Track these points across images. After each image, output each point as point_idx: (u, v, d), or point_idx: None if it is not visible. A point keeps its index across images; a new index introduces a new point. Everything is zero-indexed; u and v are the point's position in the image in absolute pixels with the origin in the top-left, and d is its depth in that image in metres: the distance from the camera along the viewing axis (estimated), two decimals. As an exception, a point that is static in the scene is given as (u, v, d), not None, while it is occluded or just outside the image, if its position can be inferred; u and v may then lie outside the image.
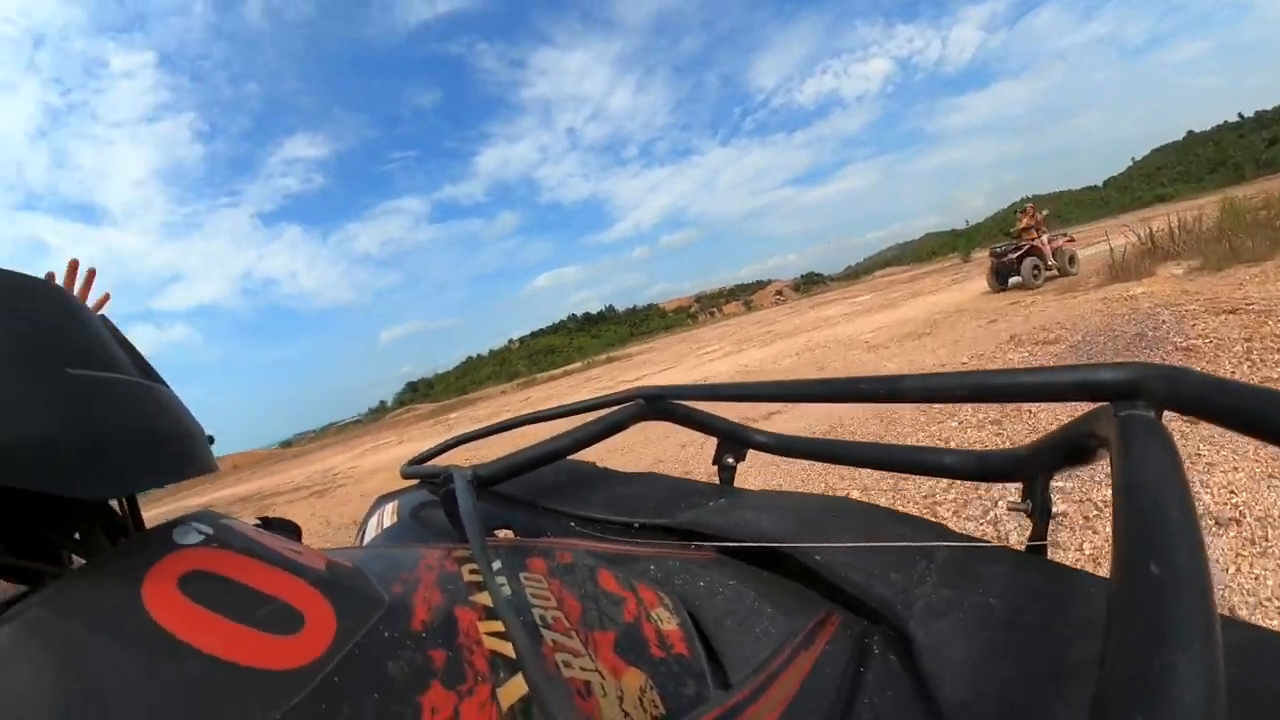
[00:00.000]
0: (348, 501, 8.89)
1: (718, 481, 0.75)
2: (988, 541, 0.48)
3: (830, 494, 0.61)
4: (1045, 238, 11.54)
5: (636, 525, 0.62)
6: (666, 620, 0.45)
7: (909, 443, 2.85)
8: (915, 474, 0.51)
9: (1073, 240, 11.88)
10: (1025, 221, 11.90)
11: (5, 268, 0.38)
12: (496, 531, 0.69)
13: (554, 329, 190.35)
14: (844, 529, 0.52)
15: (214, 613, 0.33)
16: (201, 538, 0.39)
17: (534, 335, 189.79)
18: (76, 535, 0.42)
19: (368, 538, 0.84)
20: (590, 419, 0.70)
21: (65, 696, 0.28)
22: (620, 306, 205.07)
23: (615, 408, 0.71)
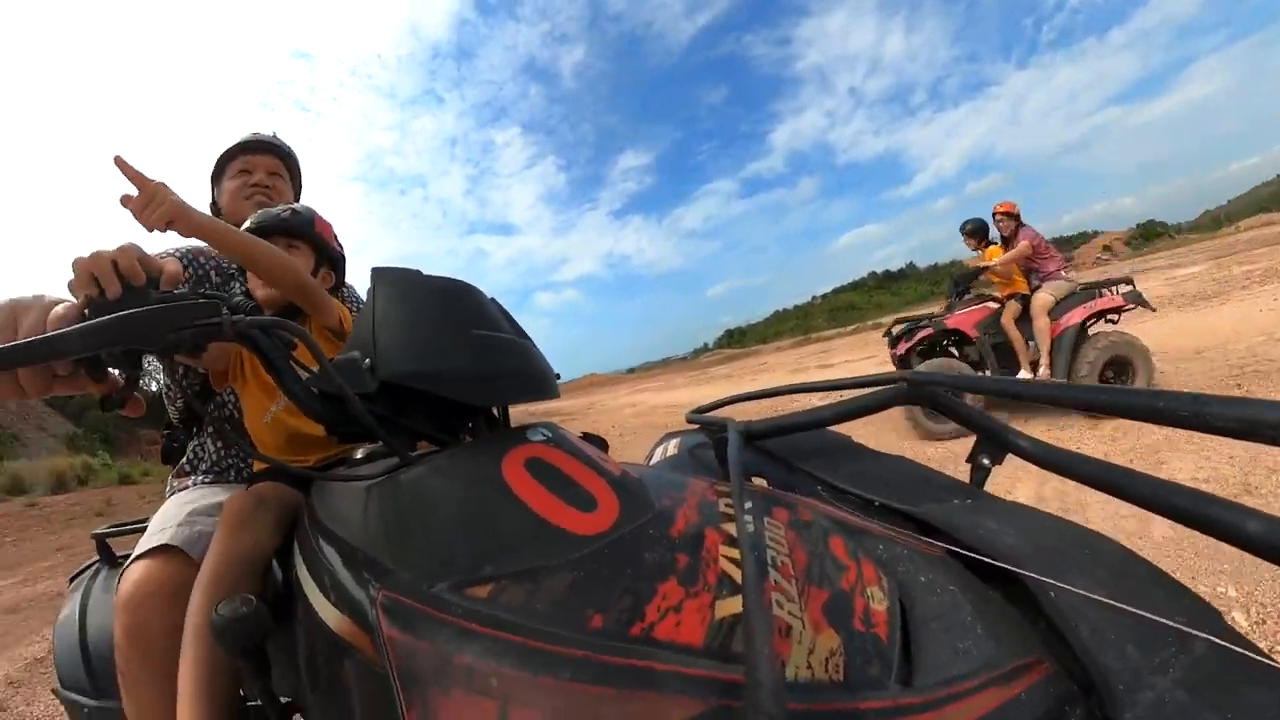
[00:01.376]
0: (588, 425, 11.36)
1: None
2: (1268, 658, 0.38)
3: (1078, 522, 0.53)
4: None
5: (876, 504, 0.62)
6: (878, 600, 0.46)
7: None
8: (1209, 534, 0.37)
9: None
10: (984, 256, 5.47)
11: (447, 275, 0.66)
12: (753, 479, 0.73)
13: (854, 286, 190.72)
14: (1093, 573, 0.45)
15: (542, 486, 0.50)
16: (544, 438, 0.58)
17: (835, 292, 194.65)
18: (470, 424, 0.68)
19: (653, 462, 0.96)
20: (855, 395, 0.73)
21: (452, 509, 0.49)
22: (922, 263, 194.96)
23: (879, 389, 0.71)
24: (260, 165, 1.44)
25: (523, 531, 0.46)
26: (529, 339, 0.68)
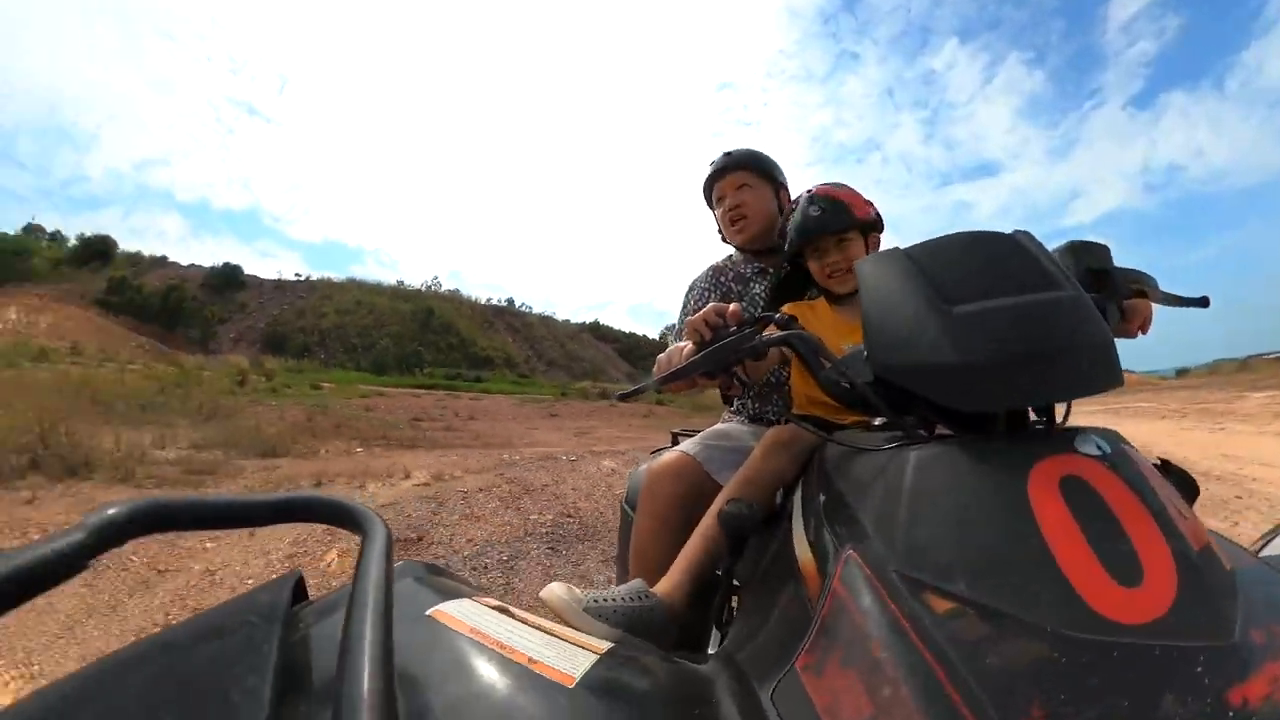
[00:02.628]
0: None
1: None
2: None
3: None
4: None
5: None
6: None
7: None
8: None
9: None
10: None
11: (947, 234, 0.61)
12: None
13: None
14: None
15: (1074, 520, 0.39)
16: (1097, 453, 0.45)
17: None
18: (1000, 413, 0.55)
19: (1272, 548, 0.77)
20: None
21: (949, 504, 0.43)
22: None
23: None
24: (727, 187, 1.62)
25: (1022, 568, 0.39)
26: (1072, 289, 0.53)
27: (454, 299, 75.98)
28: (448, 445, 8.50)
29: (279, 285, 66.58)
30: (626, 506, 1.47)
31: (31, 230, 75.45)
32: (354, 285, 69.67)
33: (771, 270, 1.59)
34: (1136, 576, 0.37)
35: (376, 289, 70.20)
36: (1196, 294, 0.91)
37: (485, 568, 3.19)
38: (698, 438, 1.35)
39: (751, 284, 1.60)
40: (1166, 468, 0.62)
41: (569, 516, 4.16)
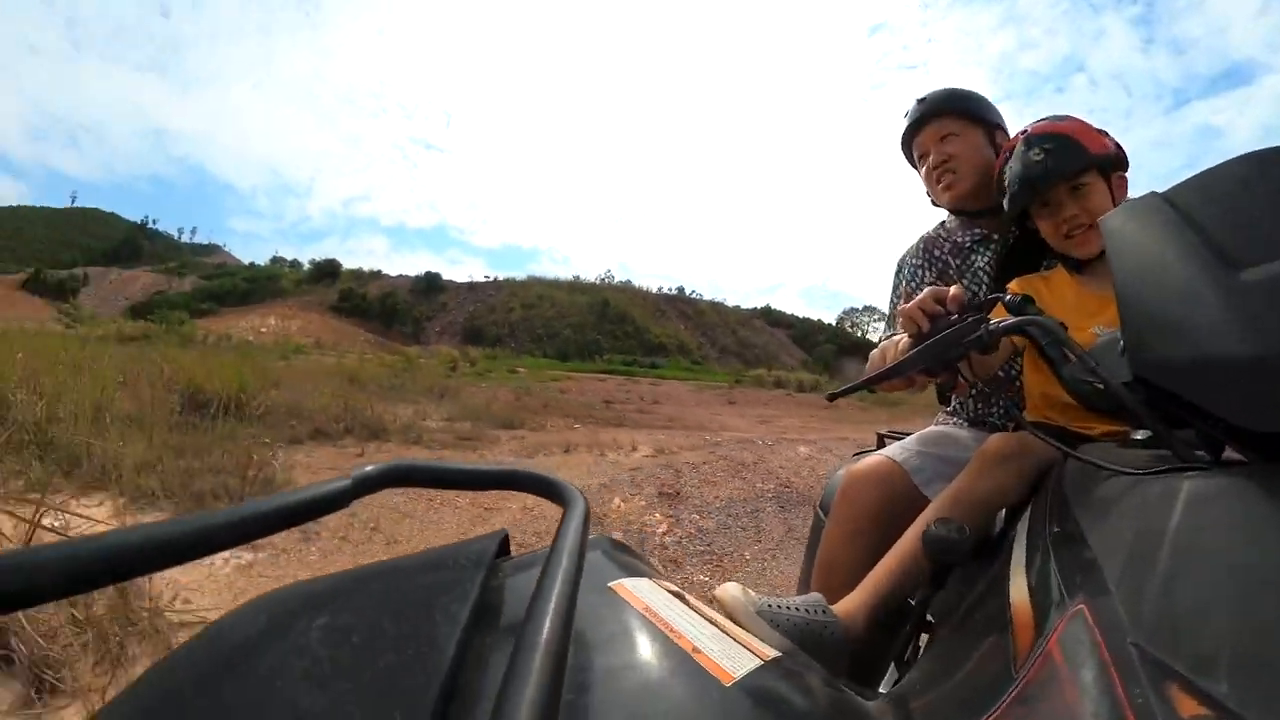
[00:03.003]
0: None
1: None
2: None
3: None
4: None
5: None
6: None
7: None
8: None
9: None
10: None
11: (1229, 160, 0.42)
12: None
13: None
14: None
15: None
16: None
17: None
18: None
19: None
20: None
21: (1230, 562, 0.33)
22: None
23: None
24: (928, 140, 1.33)
25: None
26: None
27: (627, 290, 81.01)
28: (648, 426, 9.31)
29: (472, 286, 77.11)
30: (819, 510, 1.33)
31: (276, 260, 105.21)
32: (535, 282, 77.25)
33: (995, 237, 1.32)
34: None
35: (555, 284, 76.85)
36: None
37: (735, 515, 3.90)
38: (908, 441, 1.21)
39: (972, 255, 1.34)
40: None
41: (785, 487, 4.67)
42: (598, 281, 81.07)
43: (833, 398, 0.92)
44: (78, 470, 3.14)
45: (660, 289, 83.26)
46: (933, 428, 1.34)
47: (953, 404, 1.40)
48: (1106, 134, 1.03)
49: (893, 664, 0.85)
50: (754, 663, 0.40)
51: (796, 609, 0.73)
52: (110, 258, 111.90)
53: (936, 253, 1.39)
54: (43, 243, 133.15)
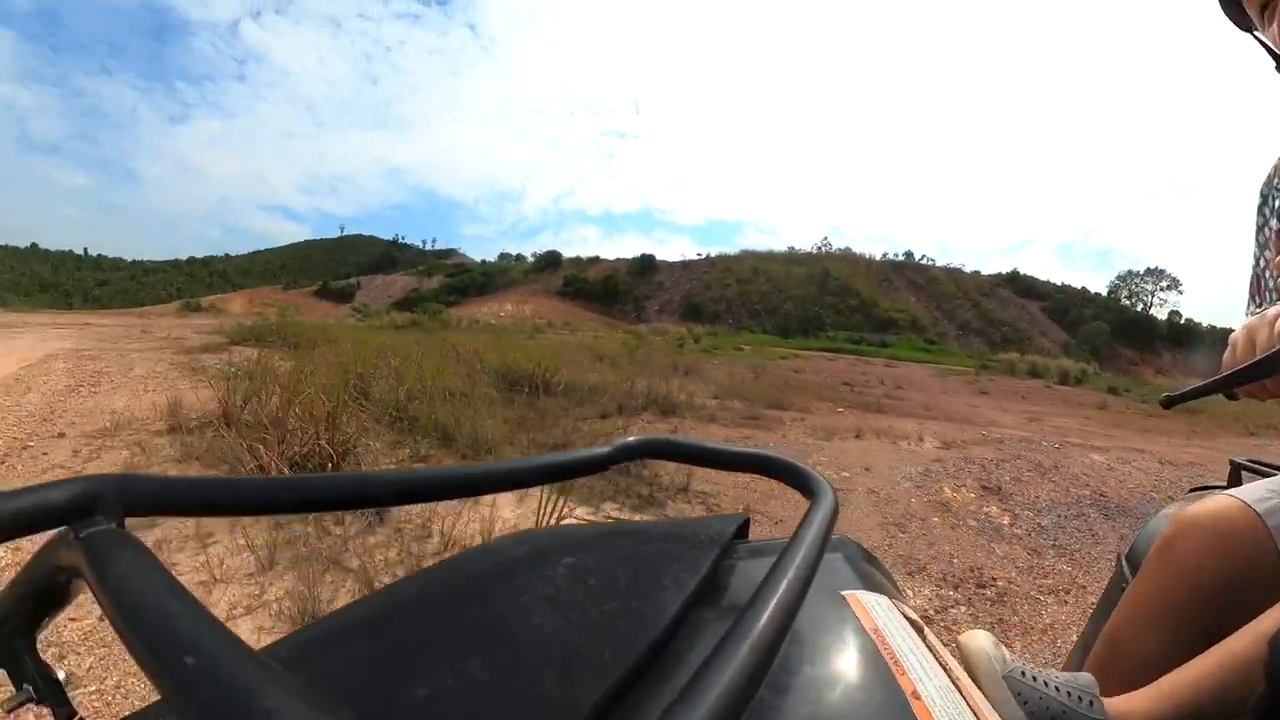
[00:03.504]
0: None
1: None
2: None
3: None
4: None
5: None
6: None
7: None
8: None
9: None
10: None
11: None
12: None
13: None
14: None
15: None
16: None
17: None
18: None
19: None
20: None
21: None
22: None
23: None
24: None
25: None
26: None
27: (847, 257, 77.53)
28: (908, 414, 9.21)
29: (685, 264, 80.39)
30: (1124, 563, 1.03)
31: (504, 256, 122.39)
32: (748, 255, 78.04)
33: None
34: None
35: (770, 256, 76.93)
36: None
37: (1065, 516, 3.83)
38: (1277, 480, 0.82)
39: None
40: None
41: (1100, 495, 4.58)
42: (814, 250, 79.39)
43: (1170, 402, 0.67)
44: (453, 443, 3.67)
45: (885, 255, 78.93)
46: None
47: None
48: None
49: None
50: None
51: (1057, 686, 0.59)
52: (374, 268, 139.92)
53: None
54: (324, 264, 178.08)
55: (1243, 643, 0.58)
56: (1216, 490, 0.90)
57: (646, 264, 77.23)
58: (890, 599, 0.44)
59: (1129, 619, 0.77)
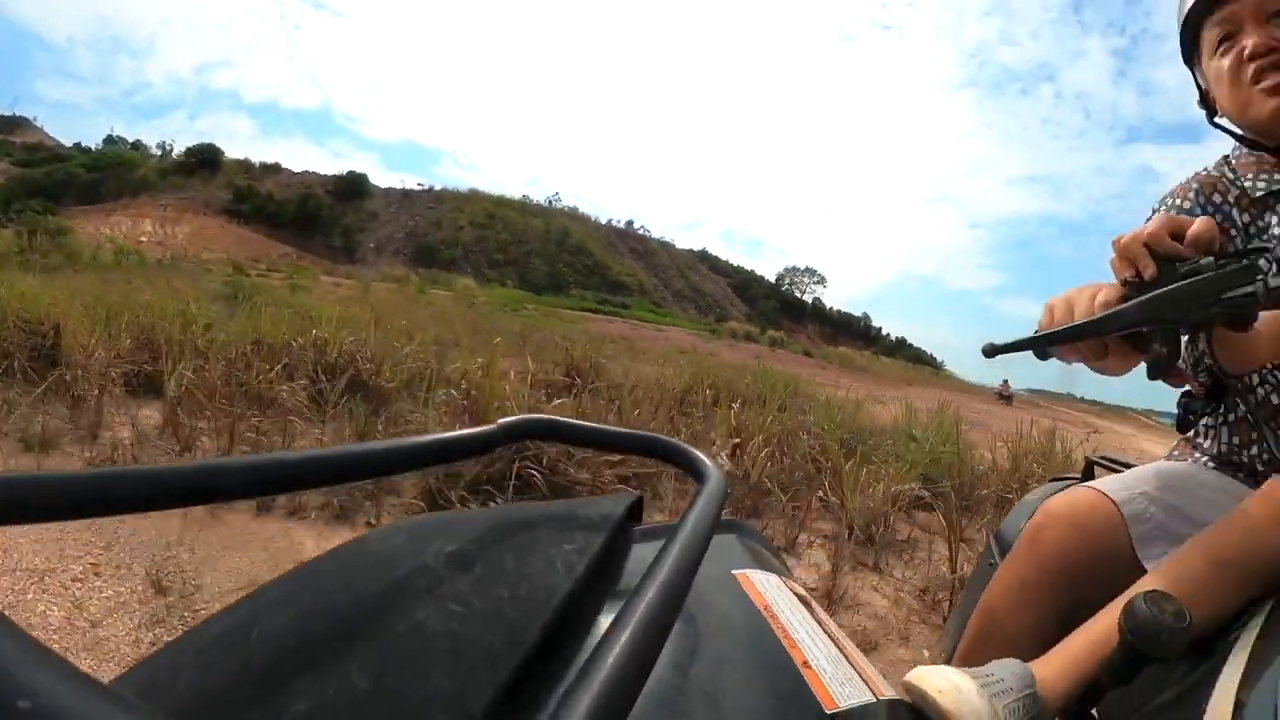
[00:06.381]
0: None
1: None
2: None
3: None
4: None
5: None
6: None
7: None
8: None
9: None
10: None
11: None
12: None
13: None
14: None
15: None
16: None
17: None
18: None
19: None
20: None
21: None
22: None
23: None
24: (1245, 14, 0.88)
25: None
26: None
27: (578, 218, 79.12)
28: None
29: (406, 194, 70.01)
30: (994, 541, 1.13)
31: (114, 142, 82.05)
32: (480, 197, 72.55)
33: None
34: None
35: (504, 202, 73.05)
36: None
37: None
38: (1130, 476, 0.94)
39: (1269, 214, 0.95)
40: None
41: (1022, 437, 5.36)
42: (547, 204, 78.84)
43: (992, 352, 0.72)
44: None
45: (610, 221, 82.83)
46: (1165, 463, 1.04)
47: (1196, 431, 1.03)
48: None
49: None
50: (865, 698, 0.39)
51: (1016, 696, 0.59)
52: None
53: (1218, 199, 0.98)
54: None
55: (1112, 616, 0.62)
56: (1074, 481, 1.08)
57: (355, 186, 63.70)
58: (780, 577, 0.48)
59: (1001, 595, 0.86)
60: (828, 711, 0.36)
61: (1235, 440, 0.97)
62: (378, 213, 62.60)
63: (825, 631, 0.43)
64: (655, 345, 15.48)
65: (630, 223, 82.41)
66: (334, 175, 66.47)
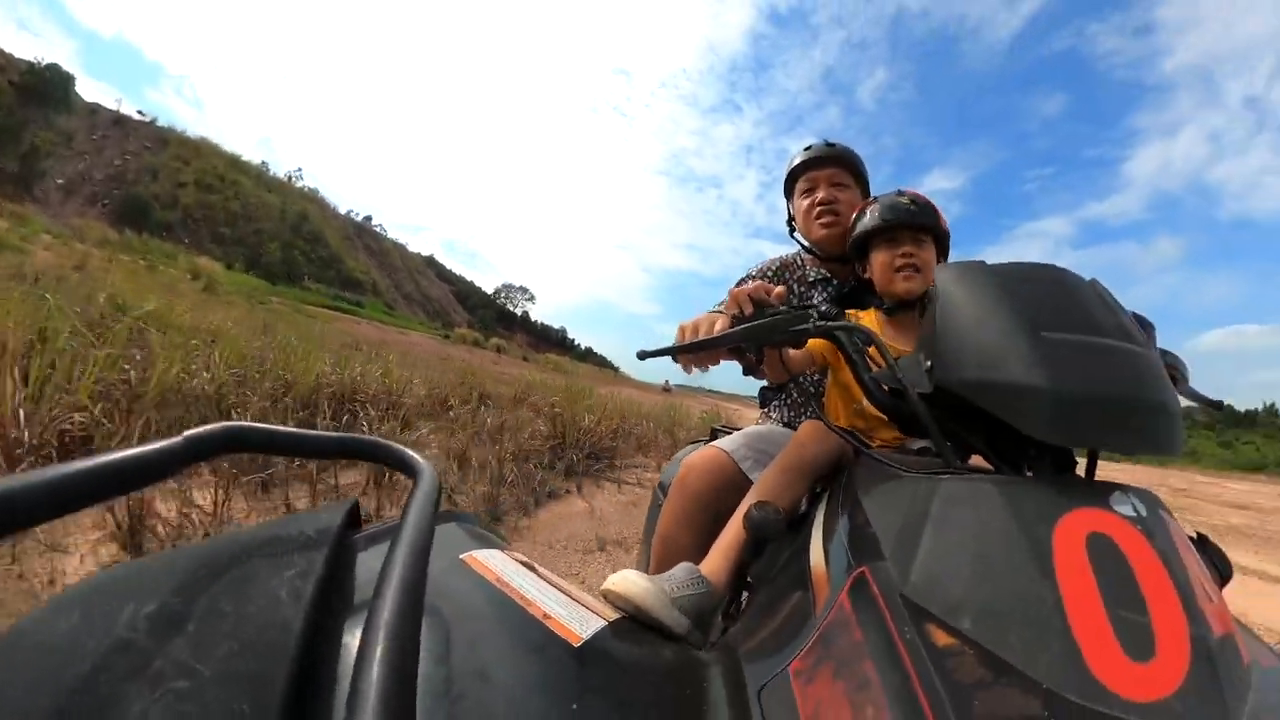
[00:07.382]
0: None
1: None
2: None
3: None
4: None
5: None
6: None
7: None
8: None
9: None
10: None
11: (1032, 262, 0.63)
12: None
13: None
14: None
15: (1093, 581, 0.40)
16: (1133, 514, 0.44)
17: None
18: (1034, 453, 0.57)
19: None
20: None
21: (970, 540, 0.45)
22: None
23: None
24: (821, 180, 1.55)
25: (1031, 620, 0.39)
26: (1143, 344, 0.55)
27: (317, 201, 73.58)
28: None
29: (117, 120, 54.47)
30: (659, 490, 1.60)
31: None
32: (210, 149, 61.14)
33: (835, 281, 1.58)
34: (1147, 652, 0.37)
35: (238, 163, 63.40)
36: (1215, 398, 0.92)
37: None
38: (737, 436, 1.38)
39: (813, 291, 1.59)
40: (1203, 544, 0.60)
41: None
42: (287, 179, 70.83)
43: (644, 356, 0.92)
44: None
45: (350, 213, 78.26)
46: (756, 427, 1.54)
47: (770, 406, 1.69)
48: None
49: (720, 618, 0.91)
50: (599, 624, 0.46)
51: (688, 586, 0.77)
52: None
53: (788, 276, 1.61)
54: None
55: (738, 521, 0.91)
56: (704, 443, 1.52)
57: (53, 87, 41.18)
58: (501, 550, 0.54)
59: (668, 525, 1.24)
60: (575, 645, 0.42)
61: (792, 413, 1.61)
62: (74, 135, 44.97)
63: (550, 584, 0.50)
64: (415, 350, 14.56)
65: (369, 218, 79.61)
66: (26, 63, 41.00)
